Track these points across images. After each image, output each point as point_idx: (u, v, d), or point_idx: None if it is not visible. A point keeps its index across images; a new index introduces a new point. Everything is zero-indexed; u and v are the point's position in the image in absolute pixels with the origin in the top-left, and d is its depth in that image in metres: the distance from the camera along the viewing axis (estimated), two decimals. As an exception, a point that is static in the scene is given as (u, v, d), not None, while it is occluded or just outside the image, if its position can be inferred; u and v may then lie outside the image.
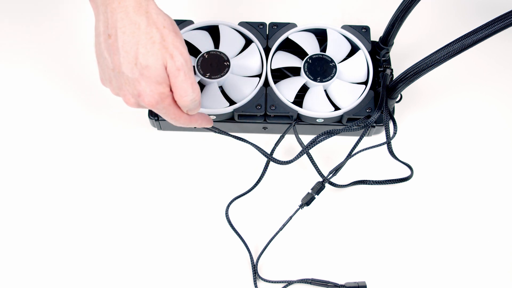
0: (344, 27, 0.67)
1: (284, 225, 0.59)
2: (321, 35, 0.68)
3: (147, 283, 0.59)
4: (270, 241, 0.60)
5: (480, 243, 0.62)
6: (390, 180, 0.64)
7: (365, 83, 0.65)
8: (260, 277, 0.59)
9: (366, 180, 0.65)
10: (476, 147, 0.68)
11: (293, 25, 0.67)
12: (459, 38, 0.50)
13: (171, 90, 0.49)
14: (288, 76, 0.66)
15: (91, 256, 0.60)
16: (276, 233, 0.60)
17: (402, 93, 0.63)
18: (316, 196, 0.60)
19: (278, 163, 0.60)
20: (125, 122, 0.68)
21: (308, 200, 0.59)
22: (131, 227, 0.62)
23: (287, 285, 0.59)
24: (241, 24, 0.66)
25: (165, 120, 0.64)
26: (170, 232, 0.62)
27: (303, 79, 0.64)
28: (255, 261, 0.60)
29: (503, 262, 0.61)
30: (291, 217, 0.59)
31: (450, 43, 0.50)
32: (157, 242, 0.61)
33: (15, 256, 0.60)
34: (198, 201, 0.63)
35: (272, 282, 0.59)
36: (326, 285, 0.59)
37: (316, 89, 0.63)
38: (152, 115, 0.64)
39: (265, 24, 0.67)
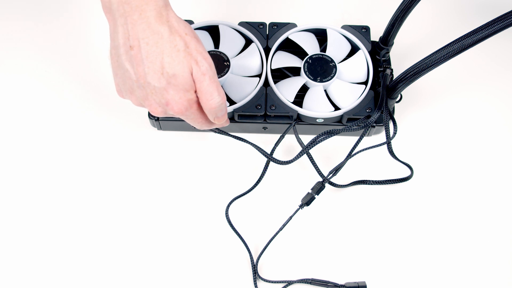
0: (344, 27, 0.67)
1: (284, 225, 0.59)
2: (321, 35, 0.68)
3: (147, 283, 0.59)
4: (270, 241, 0.60)
5: (480, 243, 0.62)
6: (390, 180, 0.64)
7: (365, 83, 0.65)
8: (260, 277, 0.59)
9: (366, 180, 0.65)
10: (476, 147, 0.68)
11: (293, 25, 0.67)
12: (459, 38, 0.50)
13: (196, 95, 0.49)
14: (288, 76, 0.66)
15: (90, 256, 0.60)
16: (276, 233, 0.60)
17: (402, 93, 0.63)
18: (316, 196, 0.60)
19: (278, 163, 0.60)
20: (125, 122, 0.68)
21: (308, 200, 0.60)
22: (131, 227, 0.62)
23: (287, 285, 0.59)
24: (241, 24, 0.66)
25: (165, 120, 0.64)
26: (170, 233, 0.62)
27: (303, 79, 0.64)
28: (255, 261, 0.60)
29: (503, 262, 0.61)
30: (291, 217, 0.59)
31: (450, 43, 0.51)
32: (157, 243, 0.61)
33: (14, 257, 0.60)
34: (198, 201, 0.63)
35: (272, 282, 0.59)
36: (326, 285, 0.59)
37: (316, 89, 0.63)
38: (152, 114, 0.64)
39: (265, 24, 0.67)
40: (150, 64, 0.46)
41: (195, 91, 0.49)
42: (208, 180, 0.65)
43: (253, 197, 0.63)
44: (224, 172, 0.65)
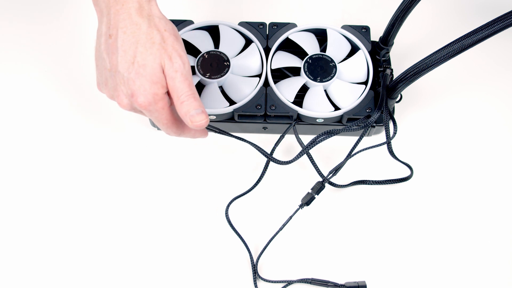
0: (344, 27, 0.67)
1: (284, 225, 0.59)
2: (321, 35, 0.68)
3: (147, 283, 0.59)
4: (270, 241, 0.60)
5: (479, 243, 0.62)
6: (390, 180, 0.64)
7: (365, 83, 0.65)
8: (260, 277, 0.59)
9: (366, 180, 0.65)
10: (476, 147, 0.68)
11: (293, 25, 0.67)
12: (459, 38, 0.50)
13: (168, 95, 0.49)
14: (288, 76, 0.66)
15: (89, 256, 0.60)
16: (276, 233, 0.60)
17: (402, 93, 0.63)
18: (316, 196, 0.60)
19: (278, 163, 0.60)
20: (125, 122, 0.68)
21: (308, 200, 0.59)
22: (130, 228, 0.62)
23: (287, 285, 0.59)
24: (241, 24, 0.66)
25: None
26: (170, 233, 0.62)
27: (303, 79, 0.64)
28: (255, 261, 0.60)
29: (503, 262, 0.61)
30: (291, 217, 0.59)
31: (450, 43, 0.50)
32: (157, 243, 0.61)
33: (11, 258, 0.60)
34: (198, 201, 0.63)
35: (272, 282, 0.59)
36: (326, 285, 0.59)
37: (316, 89, 0.63)
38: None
39: (265, 24, 0.67)
40: (123, 53, 0.47)
41: (167, 90, 0.48)
42: (208, 180, 0.65)
43: (253, 197, 0.63)
44: (224, 172, 0.65)
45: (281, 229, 0.60)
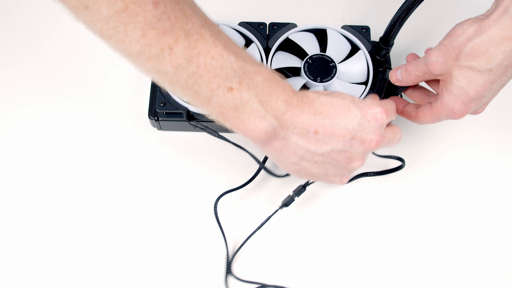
0: (344, 27, 0.67)
1: (261, 225, 0.59)
2: (321, 35, 0.68)
3: (143, 278, 0.59)
4: (246, 239, 0.59)
5: (479, 242, 0.62)
6: (383, 172, 0.64)
7: (365, 83, 0.65)
8: (232, 274, 0.59)
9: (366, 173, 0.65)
10: (472, 144, 0.68)
11: (293, 25, 0.67)
12: None
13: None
14: (288, 77, 0.66)
15: (78, 244, 0.60)
16: (253, 232, 0.59)
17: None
18: (296, 198, 0.59)
19: (271, 174, 0.60)
20: (125, 123, 0.68)
21: (287, 201, 0.59)
22: (129, 227, 0.62)
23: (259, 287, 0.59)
24: (241, 24, 0.66)
25: (165, 120, 0.64)
26: (168, 232, 0.62)
27: (303, 79, 0.64)
28: (230, 257, 0.59)
29: (502, 259, 0.61)
30: (269, 218, 0.59)
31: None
32: (154, 241, 0.61)
33: (5, 256, 0.60)
34: (196, 200, 0.63)
35: (243, 281, 0.59)
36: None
37: (316, 89, 0.63)
38: (152, 115, 0.64)
39: (265, 24, 0.66)
40: (340, 116, 0.47)
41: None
42: (206, 179, 0.65)
43: (245, 194, 0.63)
44: (222, 170, 0.65)
45: (258, 228, 0.59)
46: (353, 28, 0.67)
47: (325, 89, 0.64)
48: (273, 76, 0.45)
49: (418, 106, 0.57)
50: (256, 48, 0.65)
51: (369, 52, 0.66)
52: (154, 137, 0.67)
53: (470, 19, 0.50)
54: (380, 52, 0.66)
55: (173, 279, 0.59)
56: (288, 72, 0.66)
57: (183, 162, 0.66)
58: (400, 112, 0.59)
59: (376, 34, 0.67)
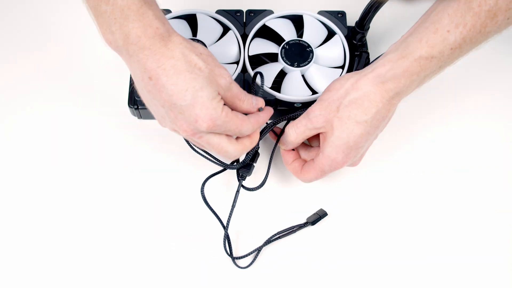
0: (320, 12, 0.68)
1: (234, 202, 0.59)
2: (298, 22, 0.68)
3: (134, 263, 0.60)
4: (227, 221, 0.60)
5: (478, 241, 0.63)
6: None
7: (342, 67, 0.65)
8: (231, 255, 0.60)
9: None
10: (472, 142, 0.69)
11: (270, 12, 0.67)
12: None
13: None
14: (266, 63, 0.66)
15: (64, 234, 0.61)
16: (231, 213, 0.59)
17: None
18: (254, 164, 0.59)
19: (242, 186, 0.60)
20: (105, 112, 0.68)
21: (246, 171, 0.59)
22: (114, 216, 0.62)
23: (257, 252, 0.60)
24: (218, 12, 0.67)
25: (145, 108, 0.64)
26: (155, 219, 0.62)
27: (280, 64, 0.64)
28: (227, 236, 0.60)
29: (501, 257, 0.62)
30: (237, 192, 0.59)
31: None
32: (138, 228, 0.62)
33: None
34: (182, 185, 0.64)
35: (246, 255, 0.60)
36: (293, 231, 0.61)
37: (294, 74, 0.64)
38: (132, 103, 0.64)
39: (242, 11, 0.67)
40: (173, 86, 0.47)
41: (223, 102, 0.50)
42: (188, 166, 0.65)
43: (232, 177, 0.64)
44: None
45: (232, 208, 0.59)
46: (329, 13, 0.68)
47: (302, 74, 0.65)
48: (142, 10, 0.47)
49: (304, 162, 0.60)
50: (233, 35, 0.65)
51: (346, 37, 0.66)
52: (135, 126, 0.67)
53: (347, 74, 0.55)
54: (356, 36, 0.67)
55: (171, 264, 0.60)
56: (266, 58, 0.67)
57: (166, 150, 0.66)
58: (288, 166, 0.61)
59: (352, 19, 0.68)
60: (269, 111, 0.56)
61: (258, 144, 0.57)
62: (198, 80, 0.47)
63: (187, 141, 0.59)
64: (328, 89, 0.56)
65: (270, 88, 0.63)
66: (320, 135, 0.57)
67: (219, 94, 0.49)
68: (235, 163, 0.59)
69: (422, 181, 0.65)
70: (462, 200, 0.64)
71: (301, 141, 0.59)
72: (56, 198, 0.63)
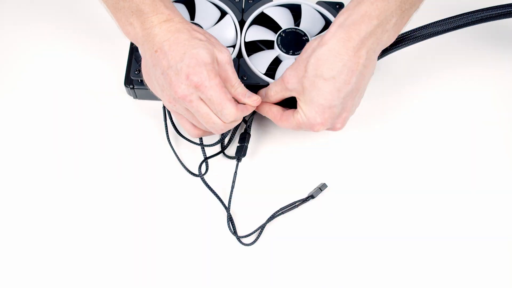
0: (319, 3, 0.68)
1: (233, 182, 0.61)
2: (296, 11, 0.69)
3: (128, 248, 0.61)
4: (229, 201, 0.61)
5: (478, 240, 0.63)
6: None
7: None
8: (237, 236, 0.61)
9: None
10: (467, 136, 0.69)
11: (269, 0, 0.68)
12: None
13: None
14: (262, 49, 0.67)
15: (61, 223, 0.62)
16: (231, 195, 0.61)
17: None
18: (247, 144, 0.63)
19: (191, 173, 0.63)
20: (100, 92, 0.69)
21: (242, 152, 0.62)
22: (108, 198, 0.63)
23: (261, 230, 0.61)
24: (217, -3, 0.68)
25: (140, 88, 0.65)
26: (148, 199, 0.63)
27: (276, 52, 0.65)
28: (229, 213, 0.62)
29: (501, 256, 0.62)
30: (235, 172, 0.62)
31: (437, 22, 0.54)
32: (135, 211, 0.62)
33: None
34: (175, 167, 0.65)
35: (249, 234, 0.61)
36: (295, 206, 0.62)
37: (289, 61, 0.65)
38: (128, 83, 0.65)
39: (241, -3, 0.68)
40: (173, 52, 0.51)
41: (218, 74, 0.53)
42: (184, 147, 0.66)
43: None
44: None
45: (232, 188, 0.61)
46: (328, 4, 0.68)
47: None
48: (155, 3, 0.53)
49: (284, 109, 0.59)
50: (230, 20, 0.66)
51: (342, 28, 0.67)
52: (130, 106, 0.68)
53: (318, 35, 0.55)
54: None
55: (171, 245, 0.61)
56: (262, 45, 0.67)
57: (161, 131, 0.66)
58: (266, 111, 0.60)
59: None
60: (256, 104, 0.57)
61: (250, 128, 0.60)
62: (196, 46, 0.51)
63: (182, 135, 0.63)
64: (301, 52, 0.56)
65: (264, 74, 0.64)
66: (296, 98, 0.56)
67: (214, 67, 0.52)
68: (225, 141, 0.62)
69: (423, 151, 0.66)
70: (466, 166, 0.65)
71: (276, 100, 0.59)
72: (50, 183, 0.64)
